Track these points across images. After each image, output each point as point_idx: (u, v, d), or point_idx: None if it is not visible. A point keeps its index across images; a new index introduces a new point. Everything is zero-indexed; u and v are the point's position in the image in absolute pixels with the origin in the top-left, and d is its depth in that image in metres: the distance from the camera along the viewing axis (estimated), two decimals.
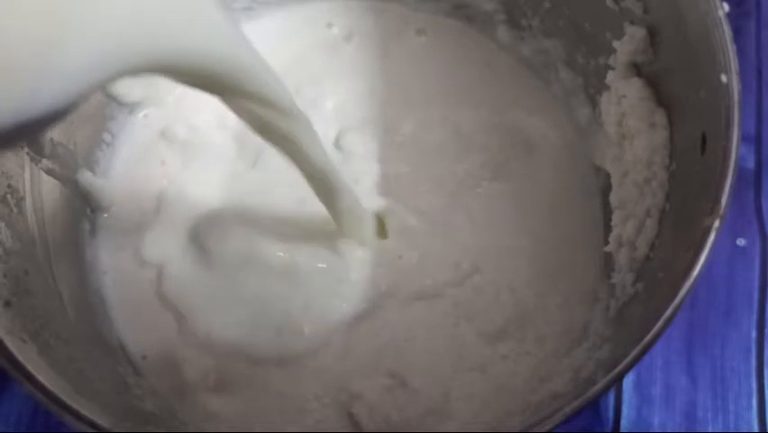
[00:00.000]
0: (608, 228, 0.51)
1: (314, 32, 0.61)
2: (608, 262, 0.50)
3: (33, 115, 0.26)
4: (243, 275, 0.52)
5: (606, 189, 0.52)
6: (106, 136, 0.57)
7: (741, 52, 0.41)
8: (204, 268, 0.53)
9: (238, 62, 0.34)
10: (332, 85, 0.59)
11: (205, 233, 0.54)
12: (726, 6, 0.41)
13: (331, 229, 0.52)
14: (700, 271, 0.37)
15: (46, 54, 0.25)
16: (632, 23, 0.48)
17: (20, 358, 0.38)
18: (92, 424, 0.37)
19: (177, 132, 0.57)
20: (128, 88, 0.56)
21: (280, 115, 0.39)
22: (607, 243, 0.50)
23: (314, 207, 0.49)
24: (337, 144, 0.57)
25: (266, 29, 0.61)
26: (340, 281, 0.53)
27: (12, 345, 0.38)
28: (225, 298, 0.52)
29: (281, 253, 0.52)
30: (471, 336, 0.51)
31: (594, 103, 0.54)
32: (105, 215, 0.56)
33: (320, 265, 0.53)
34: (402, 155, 0.57)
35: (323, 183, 0.46)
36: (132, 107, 0.58)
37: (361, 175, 0.56)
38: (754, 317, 0.59)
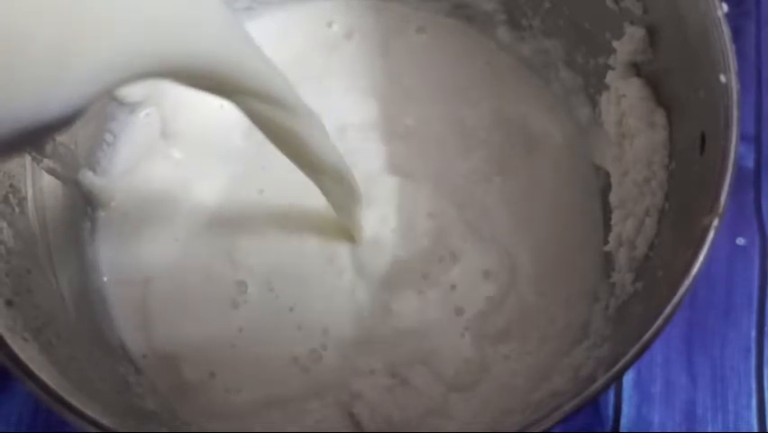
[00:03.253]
0: (607, 228, 0.51)
1: (314, 30, 0.61)
2: (607, 262, 0.50)
3: (47, 120, 0.26)
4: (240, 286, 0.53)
5: (606, 189, 0.52)
6: (108, 136, 0.57)
7: (741, 52, 0.42)
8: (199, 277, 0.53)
9: (244, 65, 0.35)
10: (332, 82, 0.59)
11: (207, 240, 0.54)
12: (725, 6, 0.41)
13: (336, 228, 0.52)
14: (699, 270, 0.38)
15: (62, 59, 0.25)
16: (631, 23, 0.48)
17: (21, 357, 0.38)
18: (93, 423, 0.37)
19: (178, 131, 0.57)
20: (129, 88, 0.56)
21: (287, 113, 0.39)
22: (606, 242, 0.50)
23: (319, 206, 0.50)
24: (338, 141, 0.57)
25: (266, 28, 0.61)
26: (344, 280, 0.53)
27: (13, 343, 0.38)
28: (216, 310, 0.52)
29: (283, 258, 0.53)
30: (474, 336, 0.52)
31: (594, 102, 0.54)
32: (106, 214, 0.56)
33: (324, 266, 0.53)
34: (405, 150, 0.57)
35: (332, 180, 0.46)
36: (133, 107, 0.58)
37: (365, 171, 0.56)
38: (754, 316, 0.59)
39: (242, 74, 0.35)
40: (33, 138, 0.27)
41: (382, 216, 0.54)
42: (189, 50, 0.31)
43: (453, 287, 0.53)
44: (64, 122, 0.27)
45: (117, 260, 0.54)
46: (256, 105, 0.38)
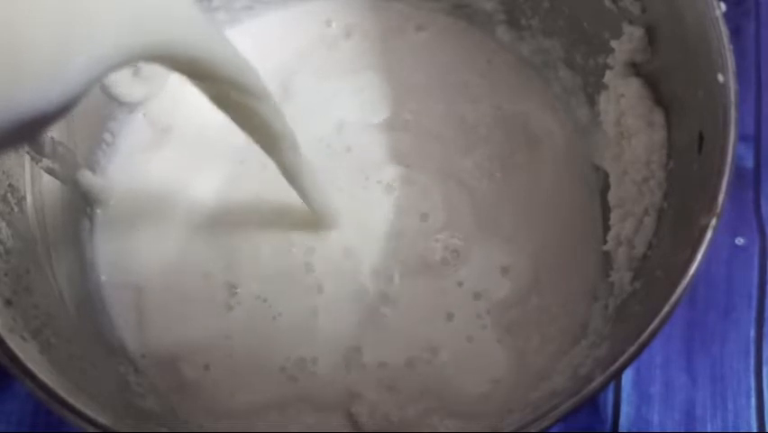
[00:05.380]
0: (606, 227, 0.51)
1: (313, 29, 0.61)
2: (606, 261, 0.50)
3: (48, 110, 0.27)
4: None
5: (605, 188, 0.52)
6: (107, 136, 0.57)
7: (740, 52, 0.42)
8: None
9: (214, 49, 0.37)
10: (331, 80, 0.59)
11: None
12: (723, 6, 0.41)
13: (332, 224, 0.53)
14: (698, 270, 0.38)
15: (61, 55, 0.26)
16: (630, 22, 0.49)
17: (21, 356, 0.38)
18: (93, 422, 0.37)
19: (177, 131, 0.58)
20: (128, 88, 0.56)
21: (249, 96, 0.41)
22: (605, 241, 0.50)
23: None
24: (337, 137, 0.57)
25: (266, 27, 0.61)
26: (338, 285, 0.53)
27: (13, 343, 0.38)
28: (211, 312, 0.53)
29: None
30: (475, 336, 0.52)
31: (593, 102, 0.54)
32: (105, 214, 0.56)
33: (317, 269, 0.53)
34: (405, 145, 0.57)
35: (290, 168, 0.47)
36: (132, 107, 0.58)
37: (365, 166, 0.56)
38: (753, 315, 0.59)
39: (211, 57, 0.37)
40: (32, 130, 0.28)
41: (380, 211, 0.54)
42: (172, 38, 0.33)
43: (460, 284, 0.53)
44: (62, 111, 0.28)
45: (115, 259, 0.54)
46: (222, 88, 0.39)
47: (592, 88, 0.54)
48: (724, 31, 0.41)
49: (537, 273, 0.53)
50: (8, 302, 0.41)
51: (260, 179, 0.55)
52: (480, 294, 0.52)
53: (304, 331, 0.51)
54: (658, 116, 0.47)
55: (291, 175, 0.47)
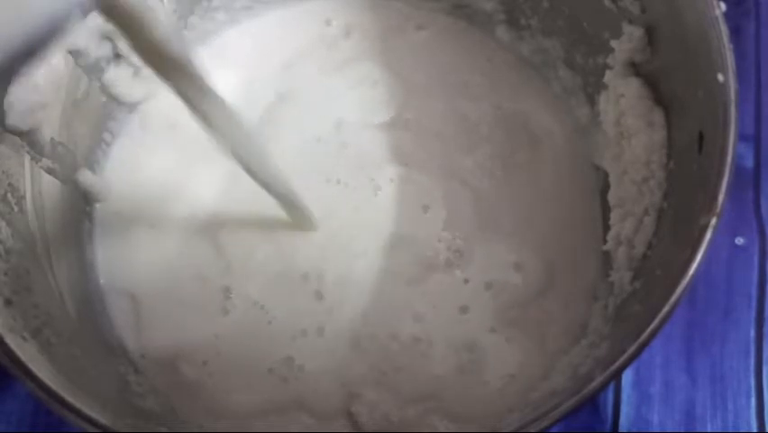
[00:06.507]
0: (606, 227, 0.51)
1: (312, 28, 0.61)
2: (606, 261, 0.50)
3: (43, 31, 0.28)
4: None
5: (605, 188, 0.52)
6: (106, 136, 0.57)
7: (740, 52, 0.42)
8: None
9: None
10: (330, 80, 0.59)
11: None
12: (723, 6, 0.42)
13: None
14: (697, 270, 0.38)
15: None
16: (630, 22, 0.49)
17: (21, 356, 0.38)
18: (92, 422, 0.37)
19: (176, 131, 0.57)
20: (128, 88, 0.56)
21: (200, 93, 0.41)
22: (605, 241, 0.50)
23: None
24: (335, 135, 0.57)
25: (266, 26, 0.61)
26: (335, 286, 0.53)
27: (13, 343, 0.38)
28: (207, 314, 0.53)
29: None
30: (475, 335, 0.52)
31: (593, 102, 0.54)
32: (104, 214, 0.56)
33: (315, 273, 0.53)
34: (406, 144, 0.57)
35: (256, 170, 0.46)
36: (132, 107, 0.58)
37: (365, 166, 0.56)
38: (753, 315, 0.59)
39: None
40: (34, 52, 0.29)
41: (381, 211, 0.54)
42: None
43: (466, 281, 0.53)
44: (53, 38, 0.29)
45: (114, 260, 0.54)
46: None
47: (592, 88, 0.54)
48: (724, 30, 0.41)
49: (537, 273, 0.53)
50: (8, 302, 0.41)
51: None
52: (485, 292, 0.52)
53: (300, 334, 0.51)
54: (658, 116, 0.47)
55: (240, 159, 0.46)
